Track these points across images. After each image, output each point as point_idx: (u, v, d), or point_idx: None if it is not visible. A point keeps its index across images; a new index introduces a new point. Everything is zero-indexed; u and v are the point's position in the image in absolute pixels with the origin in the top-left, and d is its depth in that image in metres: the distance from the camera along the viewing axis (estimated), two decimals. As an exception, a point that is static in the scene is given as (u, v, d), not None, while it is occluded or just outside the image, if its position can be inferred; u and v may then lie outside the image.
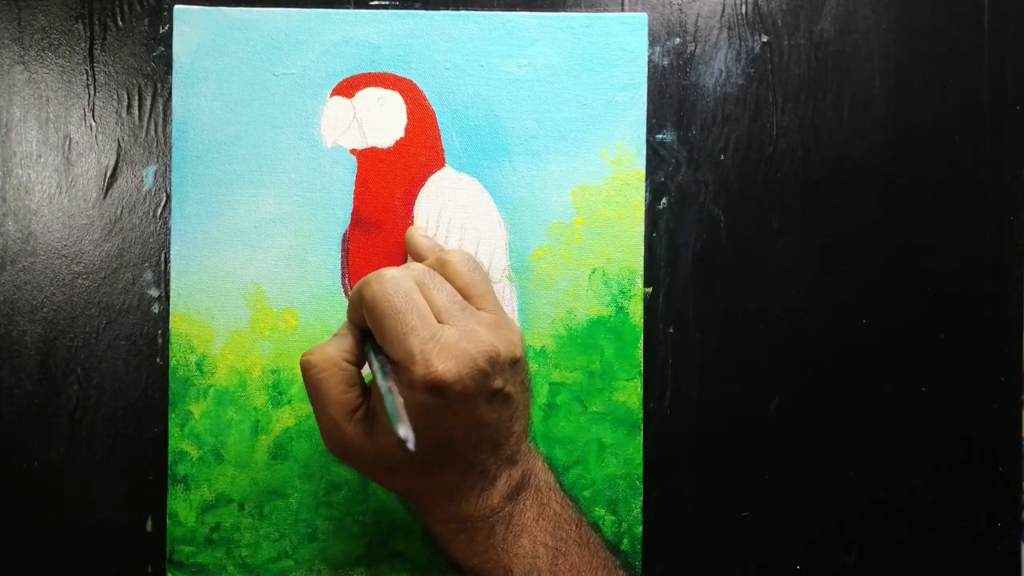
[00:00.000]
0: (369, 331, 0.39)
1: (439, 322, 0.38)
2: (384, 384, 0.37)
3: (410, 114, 0.47)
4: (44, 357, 0.47)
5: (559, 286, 0.47)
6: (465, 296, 0.41)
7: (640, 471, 0.47)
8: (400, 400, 0.36)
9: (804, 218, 0.48)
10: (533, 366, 0.47)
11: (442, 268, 0.41)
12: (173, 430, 0.47)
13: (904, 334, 0.48)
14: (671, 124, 0.48)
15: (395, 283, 0.38)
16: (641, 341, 0.47)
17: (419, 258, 0.45)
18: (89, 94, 0.48)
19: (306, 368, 0.39)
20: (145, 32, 0.48)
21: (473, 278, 0.41)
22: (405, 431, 0.35)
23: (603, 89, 0.47)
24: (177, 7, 0.47)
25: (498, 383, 0.39)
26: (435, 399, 0.37)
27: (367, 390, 0.40)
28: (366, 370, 0.40)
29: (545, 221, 0.47)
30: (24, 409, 0.47)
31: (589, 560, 0.41)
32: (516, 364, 0.40)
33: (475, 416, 0.39)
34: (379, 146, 0.47)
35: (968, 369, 0.48)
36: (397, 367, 0.38)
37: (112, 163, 0.48)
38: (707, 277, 0.48)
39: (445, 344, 0.37)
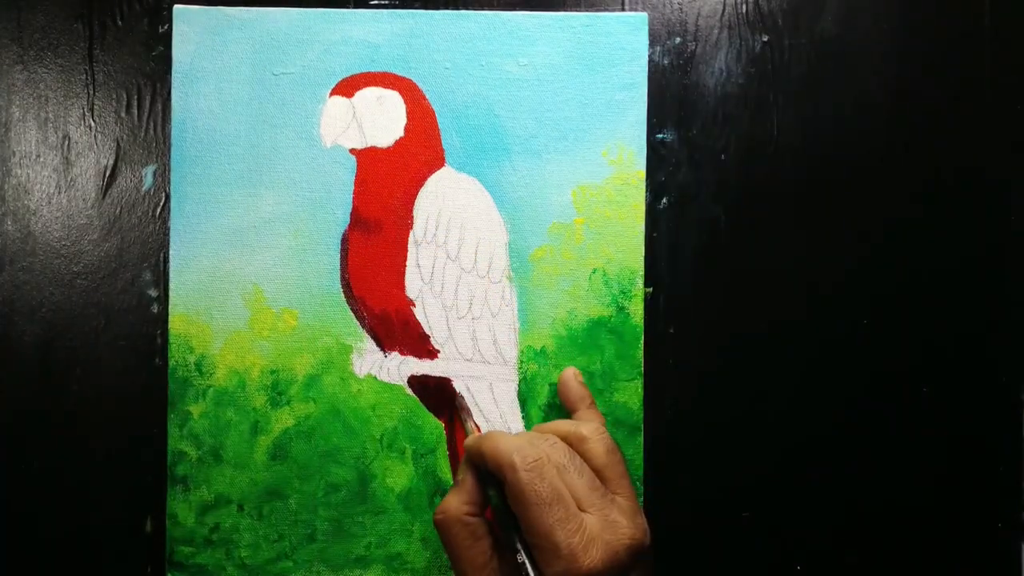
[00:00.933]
0: (503, 510, 0.40)
1: (580, 510, 0.39)
2: (525, 561, 0.38)
3: (410, 114, 0.47)
4: (43, 357, 0.47)
5: (559, 286, 0.47)
6: (601, 478, 0.41)
7: (640, 472, 0.47)
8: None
9: (804, 218, 0.48)
10: (532, 366, 0.47)
11: (580, 444, 0.42)
12: (172, 430, 0.47)
13: (904, 334, 0.48)
14: (671, 124, 0.48)
15: (540, 472, 0.39)
16: (642, 341, 0.47)
17: (568, 404, 0.46)
18: (88, 94, 0.48)
19: (437, 528, 0.41)
20: (144, 32, 0.48)
21: (610, 460, 0.42)
22: None
23: (603, 89, 0.47)
24: (176, 7, 0.47)
25: (634, 575, 0.40)
26: None
27: (497, 540, 0.41)
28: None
29: (545, 221, 0.47)
30: (24, 409, 0.47)
31: None
32: (647, 551, 0.41)
33: None
34: (379, 145, 0.47)
35: (968, 369, 0.48)
36: (540, 553, 0.38)
37: (111, 163, 0.48)
38: (707, 277, 0.48)
39: (590, 537, 0.38)
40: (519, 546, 0.39)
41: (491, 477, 0.40)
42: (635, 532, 0.39)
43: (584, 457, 0.41)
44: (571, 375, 0.46)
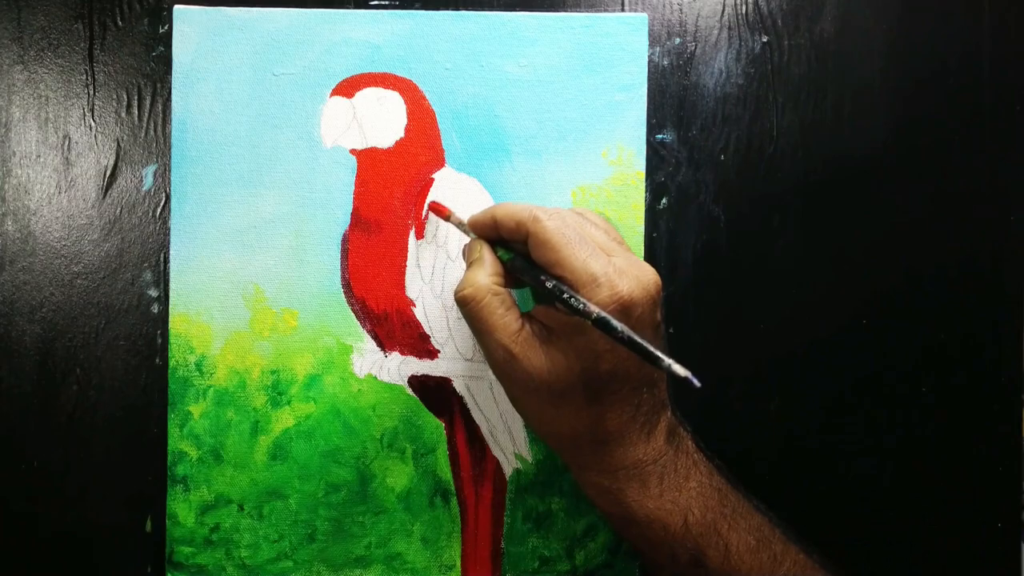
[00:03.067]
0: (524, 259, 0.41)
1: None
2: (620, 327, 0.37)
3: (410, 114, 0.47)
4: (43, 357, 0.47)
5: (559, 286, 0.47)
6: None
7: (640, 471, 0.47)
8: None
9: (804, 218, 0.48)
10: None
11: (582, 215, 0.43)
12: (172, 430, 0.47)
13: (904, 334, 0.48)
14: (671, 124, 0.48)
15: (561, 218, 0.40)
16: (641, 341, 0.47)
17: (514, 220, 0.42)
18: (89, 94, 0.48)
19: (464, 303, 0.40)
20: (145, 32, 0.48)
21: (609, 226, 0.43)
22: (681, 368, 0.36)
23: (603, 89, 0.47)
24: (177, 7, 0.47)
25: (659, 315, 0.40)
26: (621, 318, 0.38)
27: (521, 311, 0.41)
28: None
29: (545, 221, 0.47)
30: (24, 409, 0.47)
31: (744, 501, 0.43)
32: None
33: None
34: (379, 146, 0.47)
35: (968, 369, 0.48)
36: (579, 288, 0.38)
37: (111, 163, 0.48)
38: (707, 277, 0.48)
39: (621, 268, 0.39)
40: (560, 285, 0.39)
41: (503, 244, 0.41)
42: (656, 274, 0.40)
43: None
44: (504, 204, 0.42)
